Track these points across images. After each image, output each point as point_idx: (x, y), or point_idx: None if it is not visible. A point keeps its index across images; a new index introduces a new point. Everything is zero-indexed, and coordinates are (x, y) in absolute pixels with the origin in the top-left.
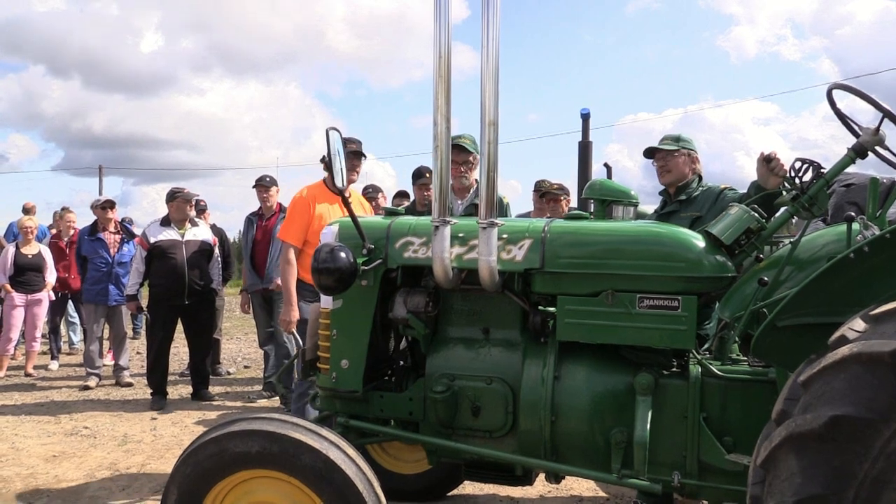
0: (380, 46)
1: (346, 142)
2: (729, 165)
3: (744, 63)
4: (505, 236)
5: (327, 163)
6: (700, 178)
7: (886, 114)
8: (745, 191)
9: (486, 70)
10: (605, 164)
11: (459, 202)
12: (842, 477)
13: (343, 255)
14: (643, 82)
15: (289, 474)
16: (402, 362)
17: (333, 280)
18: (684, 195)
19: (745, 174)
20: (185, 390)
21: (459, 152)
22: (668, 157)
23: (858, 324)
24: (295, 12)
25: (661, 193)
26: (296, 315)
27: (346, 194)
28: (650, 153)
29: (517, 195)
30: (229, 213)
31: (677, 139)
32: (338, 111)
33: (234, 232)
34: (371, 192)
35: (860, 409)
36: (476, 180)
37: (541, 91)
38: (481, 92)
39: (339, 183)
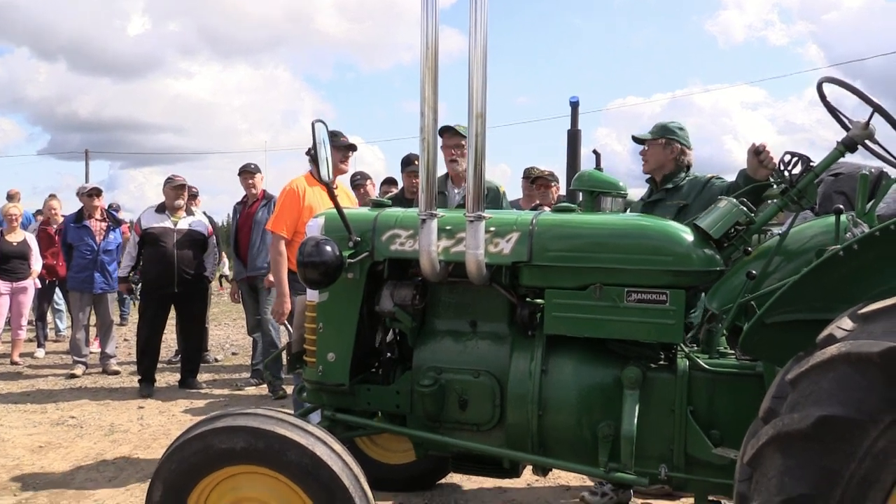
0: (370, 30)
1: (332, 134)
2: (717, 149)
3: (732, 48)
4: (493, 229)
5: (313, 155)
6: (688, 167)
7: (876, 108)
8: (732, 178)
9: (474, 62)
10: (595, 151)
11: (456, 191)
12: (828, 477)
13: (329, 248)
14: (632, 66)
15: (275, 470)
16: (389, 355)
17: (319, 274)
18: (671, 184)
19: (733, 158)
20: (173, 378)
21: (451, 136)
22: (648, 145)
23: (847, 322)
24: None
25: (647, 181)
26: (288, 307)
27: (335, 185)
28: (638, 141)
29: (506, 178)
30: (217, 196)
31: (661, 128)
32: (327, 94)
33: (222, 216)
34: (359, 180)
35: (848, 410)
36: None
37: (530, 74)
38: (469, 84)
39: (325, 175)
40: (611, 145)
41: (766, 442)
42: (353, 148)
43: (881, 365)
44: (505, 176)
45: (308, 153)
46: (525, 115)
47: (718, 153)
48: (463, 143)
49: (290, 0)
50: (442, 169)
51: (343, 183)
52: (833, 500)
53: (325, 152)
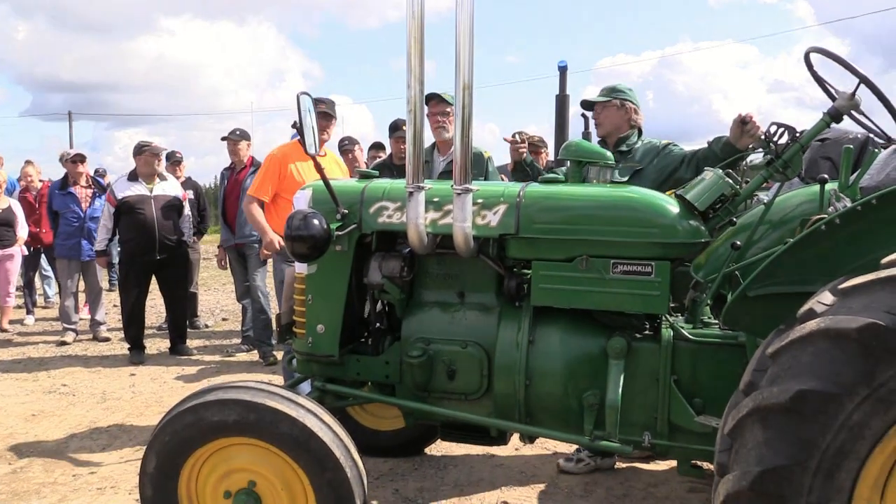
0: None
1: (316, 102)
2: (706, 108)
3: (722, 4)
4: (480, 201)
5: (299, 128)
6: (640, 131)
7: (863, 79)
8: (693, 147)
9: (462, 34)
10: (584, 114)
11: (441, 158)
12: (806, 448)
13: (316, 221)
14: (622, 23)
15: (267, 442)
16: (377, 325)
17: (307, 247)
18: (625, 146)
19: (721, 118)
20: (163, 345)
21: (437, 103)
22: (600, 108)
23: (827, 297)
24: None
25: (599, 145)
26: (275, 238)
27: (322, 153)
28: (586, 105)
29: (495, 138)
30: (204, 157)
31: (612, 90)
32: (313, 52)
33: (209, 178)
34: (347, 145)
35: (825, 384)
36: None
37: (519, 32)
38: (456, 55)
39: (310, 149)
40: None
41: (746, 414)
42: (330, 117)
43: (859, 340)
44: (493, 136)
45: (294, 126)
46: (514, 74)
47: (707, 111)
48: (449, 110)
49: None
50: (429, 139)
51: (332, 150)
52: (810, 471)
53: (311, 124)
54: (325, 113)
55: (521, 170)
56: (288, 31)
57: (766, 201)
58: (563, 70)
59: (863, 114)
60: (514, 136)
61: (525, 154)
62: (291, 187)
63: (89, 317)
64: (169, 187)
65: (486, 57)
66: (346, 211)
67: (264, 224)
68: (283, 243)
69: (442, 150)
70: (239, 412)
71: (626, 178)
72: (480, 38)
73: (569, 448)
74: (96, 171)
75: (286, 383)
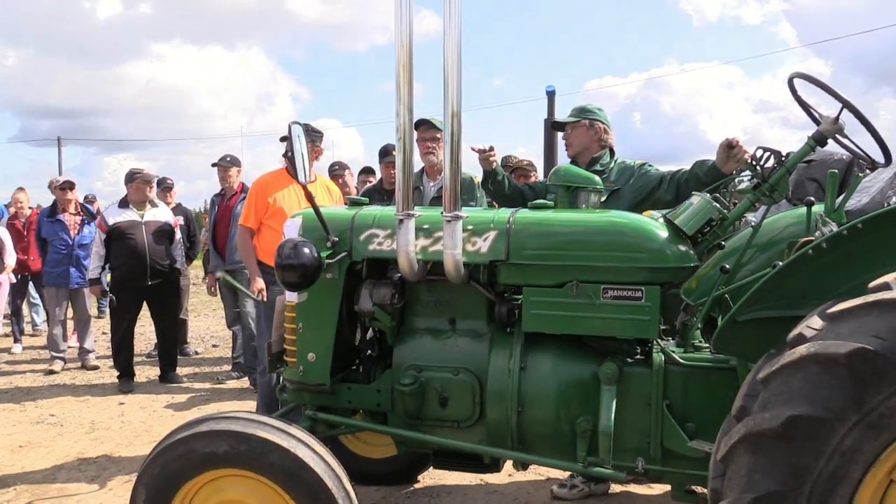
0: (343, 11)
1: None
2: (693, 128)
3: (706, 27)
4: (470, 227)
5: (290, 157)
6: (612, 151)
7: (845, 104)
8: (681, 166)
9: (449, 62)
10: (554, 128)
11: (431, 184)
12: (798, 474)
13: (306, 250)
14: (608, 46)
15: (258, 473)
16: (369, 353)
17: (297, 276)
18: (598, 166)
19: (708, 138)
20: (153, 372)
21: (427, 128)
22: (569, 129)
23: (816, 321)
24: None
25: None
26: (261, 283)
27: (312, 179)
28: (557, 126)
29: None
30: (194, 182)
31: (581, 110)
32: (302, 77)
33: (199, 202)
34: (337, 170)
35: (816, 409)
36: None
37: (505, 55)
38: (444, 84)
39: (301, 178)
40: None
41: (738, 440)
42: (318, 135)
43: (848, 365)
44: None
45: (285, 155)
46: (502, 97)
47: (694, 131)
48: (438, 136)
49: None
50: (418, 165)
51: (323, 175)
52: (803, 497)
53: (302, 157)
54: (314, 130)
55: (494, 181)
56: (276, 56)
57: (753, 224)
58: (551, 95)
59: (847, 137)
60: (482, 146)
61: (496, 164)
62: (273, 216)
63: (78, 345)
64: (160, 213)
65: (474, 80)
66: (336, 239)
67: (255, 267)
68: (266, 296)
69: (431, 175)
70: (229, 443)
71: (602, 199)
72: (467, 61)
73: (562, 474)
74: (86, 198)
75: (277, 412)
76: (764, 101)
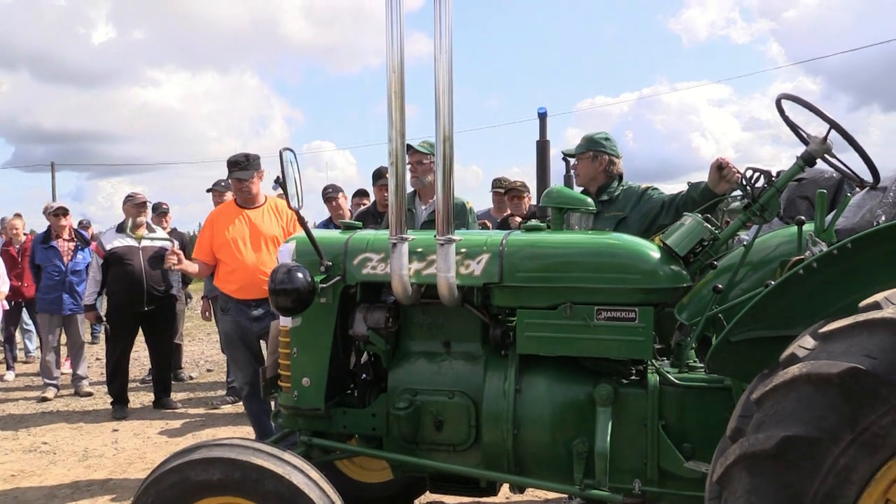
0: (336, 34)
1: (233, 164)
2: (685, 146)
3: (696, 46)
4: (463, 250)
5: (282, 183)
6: (620, 177)
7: (833, 125)
8: (674, 186)
9: (440, 88)
10: (564, 158)
11: (423, 207)
12: (794, 495)
13: (300, 275)
14: (599, 66)
15: (252, 500)
16: (364, 377)
17: (291, 301)
18: (605, 195)
19: (700, 155)
20: (147, 398)
21: (413, 153)
22: (578, 159)
23: (808, 341)
24: (250, 1)
25: (583, 193)
26: (181, 262)
27: (300, 205)
28: (569, 155)
29: (478, 181)
30: (188, 205)
31: (588, 141)
32: (296, 100)
33: (193, 225)
34: (331, 192)
35: (810, 429)
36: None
37: (497, 76)
38: (436, 107)
39: (294, 204)
40: None
41: (733, 461)
42: (241, 168)
43: (840, 385)
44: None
45: (276, 181)
46: (495, 117)
47: (686, 150)
48: (424, 160)
49: (256, 6)
50: (409, 186)
51: (273, 197)
52: None
53: (294, 182)
54: (236, 162)
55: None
56: (270, 79)
57: (745, 242)
58: (542, 116)
59: (835, 157)
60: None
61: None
62: (221, 248)
63: (71, 371)
64: (157, 238)
65: (466, 101)
66: (329, 263)
67: (188, 266)
68: (177, 264)
69: (422, 198)
70: (223, 470)
71: (609, 229)
72: (459, 82)
73: (561, 494)
74: (80, 224)
75: (271, 438)
76: (754, 118)
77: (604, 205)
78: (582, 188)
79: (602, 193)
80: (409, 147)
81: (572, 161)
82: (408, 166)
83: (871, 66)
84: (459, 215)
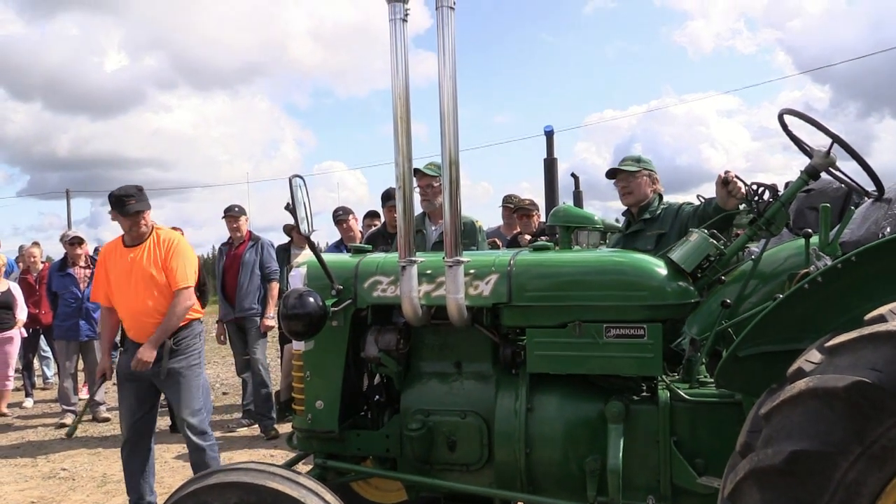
0: (344, 56)
1: (116, 201)
2: (695, 157)
3: (701, 58)
4: (472, 272)
5: (292, 210)
6: (661, 196)
7: (835, 139)
8: (710, 189)
9: (446, 111)
10: (573, 175)
11: (434, 228)
12: None
13: (311, 299)
14: (606, 80)
15: None
16: (376, 399)
17: (303, 325)
18: (647, 214)
19: (710, 166)
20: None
21: (421, 177)
22: (629, 178)
23: (815, 355)
24: (258, 26)
25: (623, 214)
26: (108, 366)
27: (307, 234)
28: (612, 174)
29: (489, 197)
30: (200, 229)
31: (638, 160)
32: (306, 122)
33: (206, 248)
34: (341, 215)
35: (818, 444)
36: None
37: (505, 93)
38: (441, 132)
39: (304, 230)
40: (590, 159)
41: (743, 477)
42: (122, 203)
43: (847, 399)
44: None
45: (286, 208)
46: (504, 133)
47: (696, 161)
48: (434, 183)
49: (264, 29)
50: (419, 208)
51: (167, 230)
52: None
53: (303, 209)
54: (118, 198)
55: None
56: (280, 102)
57: (753, 257)
58: (549, 135)
59: (839, 169)
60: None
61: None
62: (113, 291)
63: (88, 397)
64: None
65: (476, 118)
66: (340, 287)
67: (104, 345)
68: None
69: (433, 219)
70: (240, 495)
71: (651, 247)
72: (468, 100)
73: None
74: (96, 250)
75: (285, 462)
76: (763, 127)
77: (646, 223)
78: (627, 206)
79: (644, 212)
80: (417, 171)
81: (615, 181)
82: (417, 190)
83: (879, 73)
84: (469, 234)
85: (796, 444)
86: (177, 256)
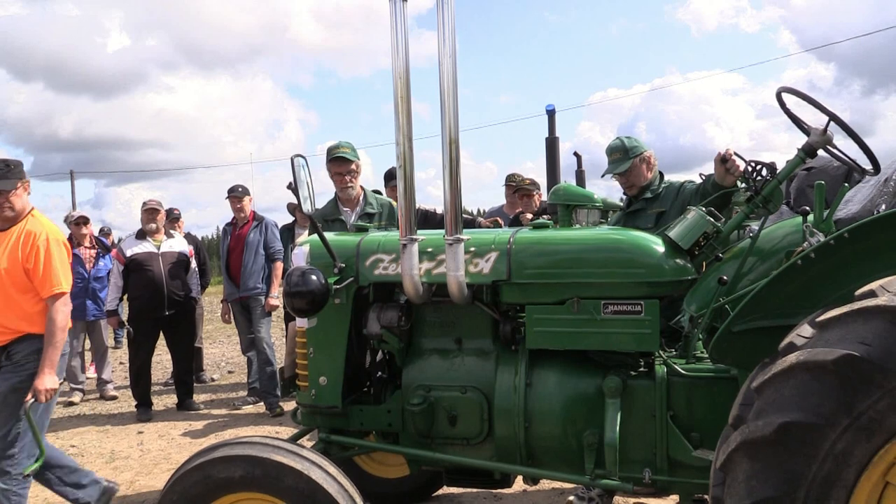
0: (347, 36)
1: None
2: (699, 136)
3: (705, 36)
4: (472, 249)
5: (294, 189)
6: (661, 175)
7: (832, 117)
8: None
9: (446, 89)
10: (576, 154)
11: (349, 211)
12: (793, 479)
13: (314, 277)
14: (610, 59)
15: (273, 496)
16: (379, 375)
17: (306, 303)
18: (649, 193)
19: (715, 144)
20: (171, 400)
21: (341, 163)
22: (626, 172)
23: (806, 329)
24: (260, 6)
25: (624, 192)
26: (48, 383)
27: (314, 209)
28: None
29: (493, 176)
30: (205, 209)
31: (625, 151)
32: (309, 102)
33: (210, 229)
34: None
35: (808, 416)
36: (362, 188)
37: (510, 73)
38: (441, 111)
39: (306, 209)
40: (594, 138)
41: (735, 448)
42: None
43: (836, 372)
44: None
45: (289, 187)
46: (509, 113)
47: (700, 140)
48: (353, 167)
49: (267, 10)
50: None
51: (36, 213)
52: (798, 501)
53: (305, 188)
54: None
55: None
56: (283, 82)
57: (752, 235)
58: (551, 114)
59: (836, 147)
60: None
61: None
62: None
63: (96, 376)
64: (175, 244)
65: (480, 98)
66: (342, 265)
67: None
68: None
69: (348, 205)
70: (244, 468)
71: (651, 225)
72: (472, 79)
73: (569, 483)
74: (101, 231)
75: (290, 437)
76: (768, 105)
77: (647, 202)
78: (633, 196)
79: (645, 191)
80: (337, 158)
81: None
82: (338, 176)
83: (883, 51)
84: (392, 216)
85: (786, 416)
86: (43, 255)
